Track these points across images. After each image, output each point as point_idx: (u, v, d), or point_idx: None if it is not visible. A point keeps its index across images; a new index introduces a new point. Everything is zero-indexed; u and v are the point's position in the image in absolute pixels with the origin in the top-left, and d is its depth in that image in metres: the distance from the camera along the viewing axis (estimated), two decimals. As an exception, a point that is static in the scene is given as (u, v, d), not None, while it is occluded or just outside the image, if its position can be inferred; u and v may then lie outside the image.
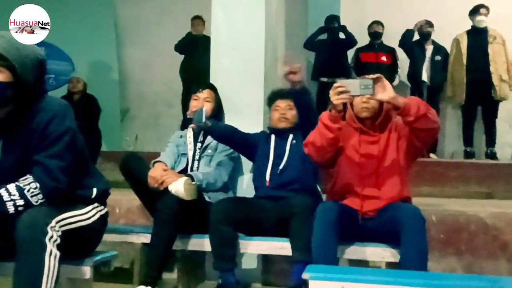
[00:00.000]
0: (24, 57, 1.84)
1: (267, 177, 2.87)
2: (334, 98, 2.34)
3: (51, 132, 1.85)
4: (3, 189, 1.78)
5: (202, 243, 2.73)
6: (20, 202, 1.78)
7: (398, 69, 6.16)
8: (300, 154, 2.79)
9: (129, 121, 7.38)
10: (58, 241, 1.76)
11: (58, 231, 1.77)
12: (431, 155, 5.60)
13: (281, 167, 2.87)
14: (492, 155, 5.50)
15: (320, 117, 2.55)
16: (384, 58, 6.07)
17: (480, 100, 5.63)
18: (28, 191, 1.80)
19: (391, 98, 2.31)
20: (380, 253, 2.47)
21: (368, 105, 2.59)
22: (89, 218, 1.99)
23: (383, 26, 6.16)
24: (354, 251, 2.49)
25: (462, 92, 5.58)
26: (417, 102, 2.38)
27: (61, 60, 6.74)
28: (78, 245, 1.95)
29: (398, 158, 2.57)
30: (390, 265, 2.46)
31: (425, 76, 5.91)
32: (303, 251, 2.45)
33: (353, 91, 2.30)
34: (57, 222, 1.79)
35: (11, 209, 1.77)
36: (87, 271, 1.96)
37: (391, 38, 6.14)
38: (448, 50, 5.85)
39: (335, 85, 2.34)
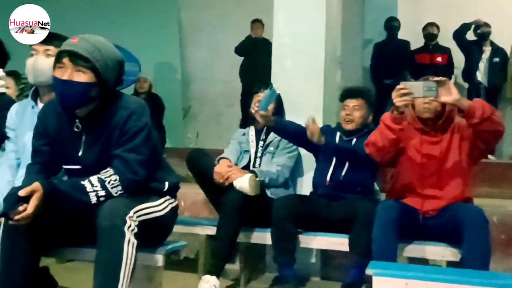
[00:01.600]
0: (105, 58, 1.87)
1: (328, 177, 2.84)
2: (397, 100, 2.30)
3: (130, 128, 1.90)
4: (86, 180, 1.84)
5: (264, 237, 2.76)
6: (102, 193, 1.83)
7: (454, 70, 5.96)
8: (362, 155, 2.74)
9: (191, 119, 7.50)
10: (136, 230, 1.80)
11: (135, 220, 1.81)
12: (490, 156, 5.38)
13: (344, 171, 2.83)
14: (552, 157, 5.25)
15: (381, 118, 2.51)
16: (439, 59, 5.91)
17: (541, 102, 5.38)
18: (109, 183, 1.85)
19: (456, 100, 2.25)
20: (440, 252, 2.42)
21: (430, 106, 2.52)
22: (162, 210, 2.02)
23: (438, 28, 5.98)
24: (414, 249, 2.45)
25: (523, 94, 5.35)
26: (481, 105, 2.30)
27: (129, 61, 6.92)
28: (152, 234, 1.99)
29: (460, 159, 2.50)
30: (450, 264, 2.40)
31: (480, 77, 5.70)
32: (363, 256, 2.40)
33: (416, 93, 2.26)
34: (134, 213, 1.83)
35: (94, 200, 1.83)
36: (159, 259, 2.01)
37: (446, 39, 5.95)
38: (507, 51, 5.61)
39: (398, 87, 2.30)
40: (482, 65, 5.71)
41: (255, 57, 6.00)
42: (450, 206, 2.41)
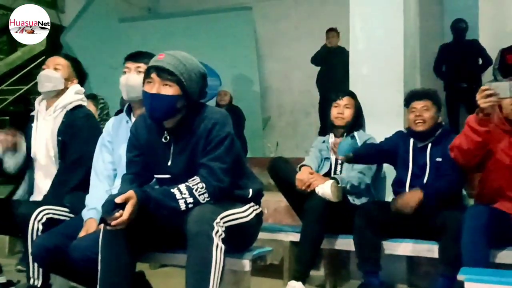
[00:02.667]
0: (189, 71, 1.92)
1: (407, 188, 2.72)
2: (482, 101, 2.18)
3: (214, 138, 1.94)
4: (175, 188, 1.89)
5: (347, 243, 2.69)
6: (190, 200, 1.87)
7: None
8: (444, 162, 2.62)
9: (270, 129, 7.56)
10: (223, 235, 1.82)
11: (222, 226, 1.84)
12: None
13: (425, 178, 2.70)
14: None
15: (466, 120, 2.39)
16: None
17: None
18: (196, 190, 1.89)
19: None
20: (537, 259, 2.24)
21: None
22: (247, 216, 2.04)
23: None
24: (507, 256, 2.29)
25: None
26: None
27: (210, 76, 7.10)
28: (238, 240, 2.01)
29: (554, 161, 2.32)
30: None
31: None
32: (451, 266, 2.28)
33: (502, 93, 2.14)
34: (221, 219, 1.85)
35: (183, 206, 1.87)
36: (246, 264, 2.02)
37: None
38: None
39: (482, 88, 2.19)
40: None
41: (332, 66, 5.95)
42: (546, 211, 2.24)
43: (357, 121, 3.09)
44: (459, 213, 2.38)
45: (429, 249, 2.48)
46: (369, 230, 2.54)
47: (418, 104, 2.77)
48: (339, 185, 2.74)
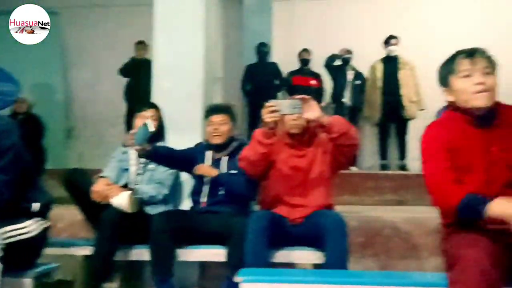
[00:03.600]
0: None
1: (203, 198, 2.80)
2: (266, 116, 2.37)
3: None
4: None
5: (142, 253, 2.64)
6: None
7: (324, 92, 6.32)
8: (239, 174, 2.73)
9: (74, 139, 7.15)
10: (1, 253, 1.66)
11: (0, 243, 1.67)
12: (352, 168, 5.76)
13: (220, 191, 2.80)
14: (403, 167, 5.77)
15: (253, 133, 2.57)
16: (313, 82, 6.22)
17: (393, 119, 5.89)
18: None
19: (318, 117, 2.37)
20: (306, 256, 2.49)
21: (297, 123, 2.62)
22: (30, 232, 1.89)
23: (309, 53, 6.34)
24: (283, 255, 2.49)
25: (377, 113, 5.83)
26: (340, 121, 2.46)
27: (7, 82, 6.45)
28: (19, 257, 1.85)
29: (323, 170, 2.63)
30: (316, 266, 2.49)
31: (346, 98, 6.11)
32: (236, 269, 2.34)
33: (283, 110, 2.35)
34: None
35: None
36: (27, 282, 1.86)
37: (317, 64, 6.32)
38: (366, 75, 6.10)
39: (266, 104, 2.37)
40: (347, 88, 6.12)
41: (139, 77, 5.87)
42: (314, 214, 2.52)
43: (159, 133, 3.09)
44: (244, 218, 2.54)
45: (218, 254, 2.56)
46: (164, 236, 2.53)
47: (216, 118, 2.89)
48: (136, 196, 2.70)
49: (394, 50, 5.80)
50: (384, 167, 5.92)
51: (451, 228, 1.86)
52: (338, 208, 2.70)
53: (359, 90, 6.08)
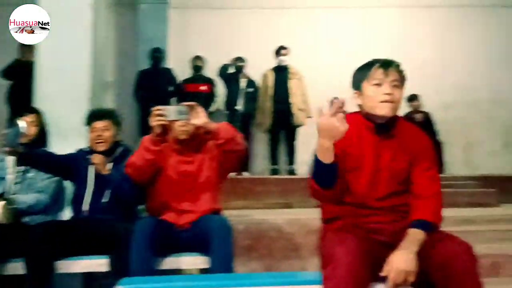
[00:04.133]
0: None
1: (85, 206, 2.69)
2: (152, 120, 2.36)
3: None
4: None
5: (17, 267, 2.44)
6: None
7: (215, 98, 6.36)
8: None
9: None
10: None
11: None
12: (244, 173, 5.88)
13: (103, 197, 2.71)
14: (292, 172, 6.00)
15: (142, 140, 2.53)
16: (203, 88, 6.23)
17: (283, 126, 6.10)
18: None
19: (204, 123, 2.39)
20: (193, 262, 2.48)
21: (185, 129, 2.61)
22: None
23: (202, 60, 6.36)
24: (170, 262, 2.46)
25: (268, 119, 5.99)
26: (226, 128, 2.49)
27: None
28: None
29: (211, 175, 2.64)
30: (202, 271, 2.49)
31: (239, 105, 6.21)
32: (122, 274, 2.25)
33: (170, 116, 2.35)
34: None
35: None
36: None
37: (210, 70, 6.36)
38: (258, 83, 6.25)
39: (153, 109, 2.36)
40: (240, 95, 6.22)
41: (25, 80, 5.46)
42: (201, 218, 2.52)
43: (41, 139, 2.92)
44: (129, 225, 2.47)
45: (102, 264, 2.46)
46: (41, 250, 2.37)
47: (98, 124, 2.80)
48: (13, 206, 2.51)
49: (284, 60, 6.00)
50: (274, 171, 6.11)
51: (328, 225, 1.95)
52: (228, 213, 2.73)
53: (252, 97, 6.18)
